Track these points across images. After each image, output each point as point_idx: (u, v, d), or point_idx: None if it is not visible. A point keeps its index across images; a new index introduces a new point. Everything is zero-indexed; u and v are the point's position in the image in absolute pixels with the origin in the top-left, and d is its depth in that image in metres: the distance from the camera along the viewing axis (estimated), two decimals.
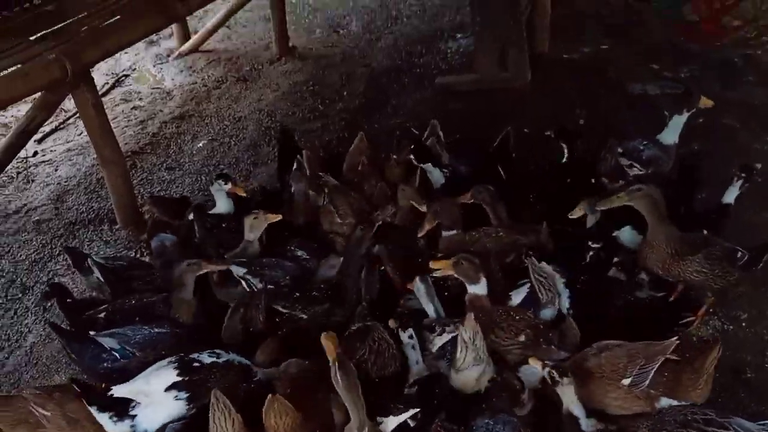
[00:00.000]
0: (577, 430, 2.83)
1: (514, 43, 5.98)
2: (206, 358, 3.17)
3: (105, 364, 3.36)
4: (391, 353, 3.14)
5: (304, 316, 3.56)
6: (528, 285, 3.42)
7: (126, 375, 3.22)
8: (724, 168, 4.18)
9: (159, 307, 3.69)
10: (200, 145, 6.21)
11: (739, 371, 3.35)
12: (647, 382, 2.87)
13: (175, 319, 3.60)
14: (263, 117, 6.49)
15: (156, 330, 3.44)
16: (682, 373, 2.91)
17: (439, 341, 3.21)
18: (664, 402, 2.90)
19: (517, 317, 3.30)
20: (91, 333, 3.47)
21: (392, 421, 2.75)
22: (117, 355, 3.36)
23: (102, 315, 3.66)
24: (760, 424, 2.74)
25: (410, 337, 3.18)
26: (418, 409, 2.75)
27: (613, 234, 3.68)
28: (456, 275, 3.37)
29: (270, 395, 2.84)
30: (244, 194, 4.50)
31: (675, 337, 2.92)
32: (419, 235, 3.89)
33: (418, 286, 3.41)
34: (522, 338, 3.22)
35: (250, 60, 7.71)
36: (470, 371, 2.97)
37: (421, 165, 4.38)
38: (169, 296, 3.70)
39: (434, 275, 3.50)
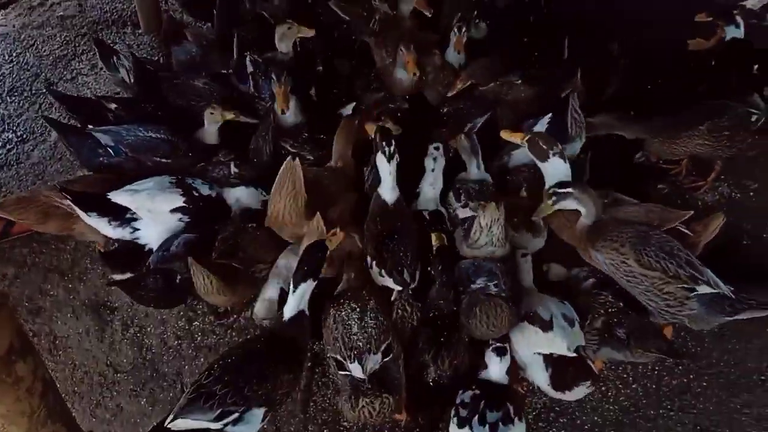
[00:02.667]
0: None
1: None
2: (204, 188, 3.14)
3: (101, 159, 3.41)
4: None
5: (311, 158, 3.52)
6: (548, 119, 3.38)
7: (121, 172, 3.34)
8: None
9: None
10: None
11: (736, 239, 3.39)
12: None
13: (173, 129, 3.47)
14: None
15: (151, 134, 3.37)
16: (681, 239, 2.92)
17: (461, 213, 3.20)
18: None
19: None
20: (89, 127, 3.48)
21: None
22: (111, 152, 3.39)
23: (113, 107, 3.65)
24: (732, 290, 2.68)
25: (436, 149, 3.25)
26: None
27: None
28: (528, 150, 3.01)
29: (289, 158, 2.88)
30: None
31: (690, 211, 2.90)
32: (449, 94, 3.72)
33: (464, 144, 3.35)
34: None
35: None
36: (480, 251, 2.98)
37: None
38: None
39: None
